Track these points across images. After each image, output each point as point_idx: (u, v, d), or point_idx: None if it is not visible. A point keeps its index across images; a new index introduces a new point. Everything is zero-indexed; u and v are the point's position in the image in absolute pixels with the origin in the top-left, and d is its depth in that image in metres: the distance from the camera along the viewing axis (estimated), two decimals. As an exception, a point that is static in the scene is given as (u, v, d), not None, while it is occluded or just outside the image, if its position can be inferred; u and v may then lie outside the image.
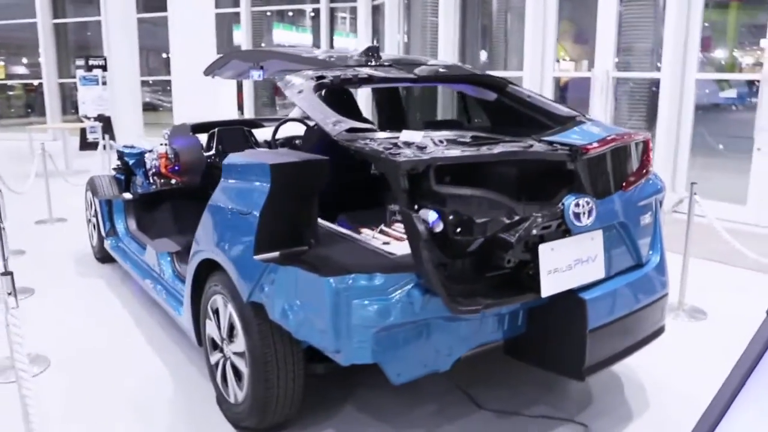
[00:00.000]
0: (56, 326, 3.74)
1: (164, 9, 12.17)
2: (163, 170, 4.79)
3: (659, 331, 2.73)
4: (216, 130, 4.63)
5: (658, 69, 7.51)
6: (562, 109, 3.00)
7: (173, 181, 4.81)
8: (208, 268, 2.76)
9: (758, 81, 6.24)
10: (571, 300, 2.32)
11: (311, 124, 4.80)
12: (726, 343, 3.55)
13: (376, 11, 11.66)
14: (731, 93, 14.40)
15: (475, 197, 2.14)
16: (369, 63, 3.07)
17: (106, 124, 11.00)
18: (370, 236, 2.59)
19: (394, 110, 4.21)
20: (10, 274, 2.18)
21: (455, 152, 2.11)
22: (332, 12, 21.04)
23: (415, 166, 2.00)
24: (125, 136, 11.38)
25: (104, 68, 11.36)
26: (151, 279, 3.78)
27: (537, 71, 7.47)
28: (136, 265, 4.11)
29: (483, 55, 10.28)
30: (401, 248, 2.38)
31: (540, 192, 2.35)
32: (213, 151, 4.57)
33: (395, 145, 2.12)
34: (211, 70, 4.30)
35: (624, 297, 2.49)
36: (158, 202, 4.78)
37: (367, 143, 2.15)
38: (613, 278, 2.51)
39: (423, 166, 2.02)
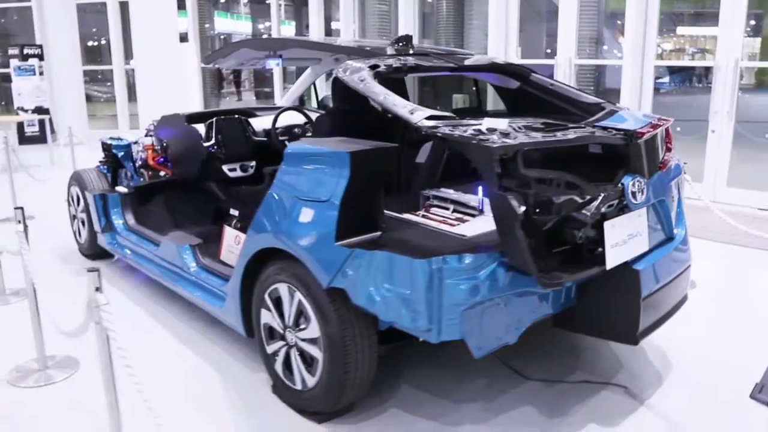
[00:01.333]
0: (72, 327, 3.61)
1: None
2: (150, 162, 4.69)
3: (685, 298, 2.99)
4: (214, 120, 4.57)
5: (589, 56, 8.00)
6: (587, 97, 3.19)
7: (162, 173, 4.72)
8: (261, 258, 2.78)
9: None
10: (625, 271, 2.52)
11: (312, 115, 4.83)
12: (719, 308, 3.91)
13: (326, -2, 11.63)
14: (665, 79, 15.37)
15: (552, 179, 2.28)
16: (404, 52, 3.15)
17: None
18: (417, 220, 2.69)
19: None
20: (97, 270, 2.13)
21: (537, 138, 2.25)
22: (267, -1, 20.59)
23: (507, 152, 2.12)
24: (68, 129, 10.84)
25: (41, 57, 10.75)
26: (170, 273, 3.71)
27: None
28: (146, 260, 4.01)
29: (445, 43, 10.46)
30: (462, 230, 2.50)
31: (593, 173, 2.52)
32: (213, 141, 4.51)
33: (480, 131, 2.23)
34: (213, 59, 4.23)
35: (664, 267, 2.72)
36: (155, 194, 4.66)
37: (453, 130, 2.25)
38: (653, 251, 2.73)
39: (513, 151, 2.14)
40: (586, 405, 2.81)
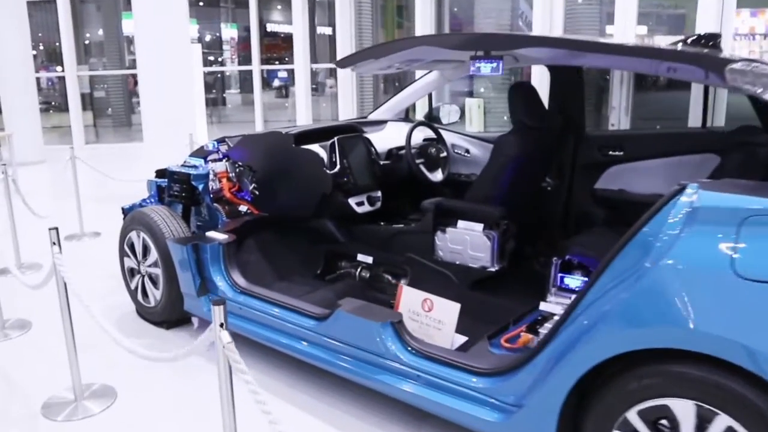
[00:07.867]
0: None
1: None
2: (226, 194, 3.67)
3: None
4: (336, 139, 3.59)
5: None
6: None
7: (244, 209, 3.69)
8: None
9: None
10: None
11: (438, 128, 4.02)
12: None
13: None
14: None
15: None
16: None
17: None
18: None
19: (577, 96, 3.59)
20: None
21: None
22: (218, 2, 19.37)
23: None
24: (21, 146, 9.15)
25: (-19, 66, 9.05)
26: (357, 362, 2.68)
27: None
28: (292, 338, 2.94)
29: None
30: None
31: None
32: (338, 168, 3.54)
33: None
34: (352, 62, 3.13)
35: None
36: (247, 237, 3.59)
37: None
38: None
39: None
40: None
